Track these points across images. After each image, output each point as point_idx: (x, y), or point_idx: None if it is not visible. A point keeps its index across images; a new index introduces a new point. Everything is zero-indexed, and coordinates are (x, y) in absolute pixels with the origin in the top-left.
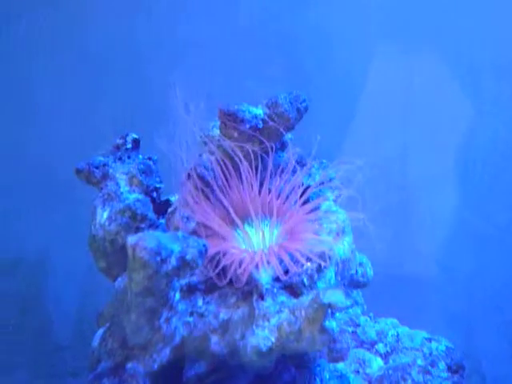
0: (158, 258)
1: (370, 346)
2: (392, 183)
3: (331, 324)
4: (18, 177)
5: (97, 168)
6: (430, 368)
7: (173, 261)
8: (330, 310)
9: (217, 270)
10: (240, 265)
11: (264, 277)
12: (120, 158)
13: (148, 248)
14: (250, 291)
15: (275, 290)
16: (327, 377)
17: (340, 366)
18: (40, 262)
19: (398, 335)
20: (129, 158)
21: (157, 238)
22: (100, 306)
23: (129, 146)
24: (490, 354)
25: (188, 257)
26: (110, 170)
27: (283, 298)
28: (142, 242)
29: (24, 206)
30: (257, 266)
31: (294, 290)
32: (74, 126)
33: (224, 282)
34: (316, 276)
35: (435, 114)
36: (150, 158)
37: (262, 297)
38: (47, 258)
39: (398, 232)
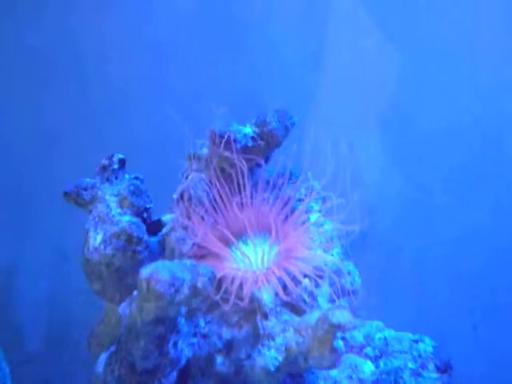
0: (172, 290)
1: (359, 350)
2: None
3: (339, 343)
4: None
5: (85, 190)
6: (420, 370)
7: (185, 290)
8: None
9: (220, 294)
10: (241, 285)
11: (266, 296)
12: (108, 179)
13: (163, 280)
14: (251, 310)
15: (278, 309)
16: None
17: (333, 373)
18: (9, 272)
19: (385, 338)
20: (116, 178)
21: (169, 269)
22: (69, 314)
23: (115, 166)
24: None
25: (199, 285)
26: (99, 192)
27: (286, 316)
28: (156, 274)
29: None
30: (257, 285)
31: (294, 307)
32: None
33: (228, 305)
34: (315, 292)
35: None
36: (137, 178)
37: (265, 316)
38: (15, 269)
39: None
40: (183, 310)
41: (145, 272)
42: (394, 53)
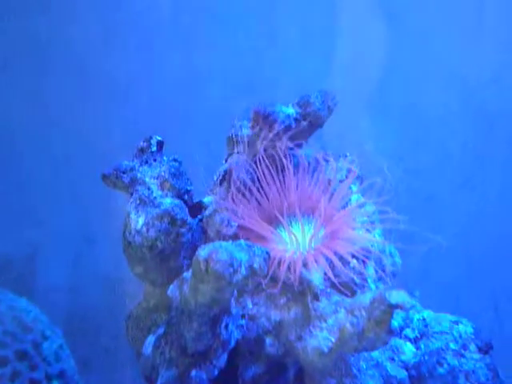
0: (231, 270)
1: (398, 331)
2: None
3: (394, 324)
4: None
5: (124, 173)
6: (462, 351)
7: (242, 271)
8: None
9: (269, 275)
10: (289, 266)
11: (316, 277)
12: (146, 162)
13: (222, 260)
14: (299, 291)
15: (329, 290)
16: (364, 366)
17: (375, 354)
18: (30, 258)
19: (424, 319)
20: (155, 160)
21: (227, 249)
22: (89, 300)
23: (154, 148)
24: None
25: (255, 265)
26: (139, 175)
27: (337, 297)
28: (216, 254)
29: (11, 204)
30: (305, 267)
31: (343, 288)
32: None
33: (278, 287)
34: (365, 272)
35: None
36: (175, 160)
37: (316, 297)
38: (37, 255)
39: None
40: (235, 291)
41: (203, 252)
42: (399, 35)
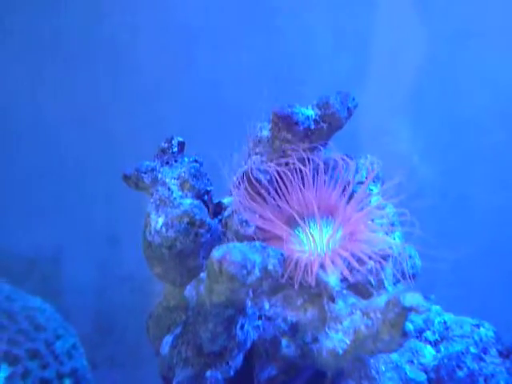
0: (245, 271)
1: (419, 333)
2: None
3: (409, 326)
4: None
5: (145, 173)
6: (482, 355)
7: (256, 272)
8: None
9: (286, 275)
10: (306, 267)
11: (332, 279)
12: (167, 162)
13: (235, 262)
14: (315, 293)
15: (345, 292)
16: (383, 368)
17: (394, 356)
18: (56, 259)
19: (445, 322)
20: (176, 161)
21: (241, 251)
22: (115, 299)
23: (175, 149)
24: None
25: (269, 267)
26: (159, 175)
27: (353, 299)
28: (229, 255)
29: (38, 204)
30: (322, 268)
31: (359, 290)
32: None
33: (295, 287)
34: (381, 274)
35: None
36: (196, 161)
37: (332, 299)
38: (62, 255)
39: None
40: (250, 291)
41: (217, 253)
42: (435, 38)
